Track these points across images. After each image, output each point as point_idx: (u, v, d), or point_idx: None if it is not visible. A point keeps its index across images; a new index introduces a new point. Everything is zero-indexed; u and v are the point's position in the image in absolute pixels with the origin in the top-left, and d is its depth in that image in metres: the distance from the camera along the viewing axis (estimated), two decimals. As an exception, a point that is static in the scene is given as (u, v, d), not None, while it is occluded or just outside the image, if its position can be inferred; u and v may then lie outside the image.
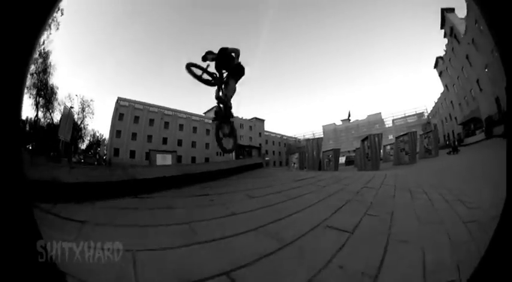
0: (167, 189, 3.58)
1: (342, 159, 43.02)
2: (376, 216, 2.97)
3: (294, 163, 28.31)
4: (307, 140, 30.56)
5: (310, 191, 4.47)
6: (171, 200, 3.16)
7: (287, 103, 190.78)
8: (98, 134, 56.84)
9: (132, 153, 52.17)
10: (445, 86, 56.80)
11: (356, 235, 2.26)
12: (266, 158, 66.62)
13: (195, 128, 64.18)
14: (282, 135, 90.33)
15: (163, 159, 36.13)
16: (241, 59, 6.52)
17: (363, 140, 23.58)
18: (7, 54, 1.17)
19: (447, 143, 33.56)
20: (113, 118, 52.77)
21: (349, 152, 39.68)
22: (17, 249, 1.13)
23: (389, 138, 36.08)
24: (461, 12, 44.54)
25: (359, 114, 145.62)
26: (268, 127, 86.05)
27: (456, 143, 33.23)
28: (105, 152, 52.69)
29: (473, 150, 26.91)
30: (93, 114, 52.93)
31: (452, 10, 46.28)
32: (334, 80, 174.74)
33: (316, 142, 25.33)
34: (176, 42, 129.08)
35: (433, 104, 69.61)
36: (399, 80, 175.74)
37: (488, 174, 6.81)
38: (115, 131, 51.98)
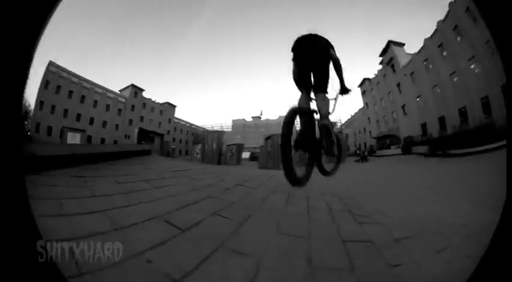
0: (54, 169, 3.59)
1: (247, 155, 44.15)
2: (226, 218, 2.64)
3: (197, 154, 27.60)
4: (209, 131, 30.29)
5: (180, 183, 4.30)
6: (52, 179, 3.17)
7: (203, 92, 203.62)
8: (27, 104, 46.76)
9: (50, 130, 46.07)
10: (366, 104, 65.72)
11: (187, 234, 2.08)
12: (172, 146, 66.00)
13: (108, 106, 58.86)
14: (192, 124, 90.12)
15: (73, 138, 33.70)
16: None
17: (266, 139, 24.11)
18: (8, 54, 1.18)
19: (357, 152, 36.30)
20: (40, 86, 46.25)
21: (255, 148, 40.11)
22: (17, 249, 1.14)
23: (299, 140, 37.68)
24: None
25: (271, 114, 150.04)
26: (179, 114, 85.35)
27: (366, 153, 36.88)
28: (29, 126, 45.10)
29: (384, 160, 30.44)
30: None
31: (401, 45, 51.98)
32: (254, 77, 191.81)
33: (217, 135, 25.71)
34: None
35: (349, 117, 78.76)
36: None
37: (398, 187, 7.31)
38: (39, 102, 45.73)
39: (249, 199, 3.73)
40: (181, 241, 1.93)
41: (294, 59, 3.99)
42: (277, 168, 18.23)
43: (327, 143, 4.03)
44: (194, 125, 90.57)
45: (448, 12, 35.49)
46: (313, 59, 3.85)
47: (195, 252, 1.78)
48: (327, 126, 3.82)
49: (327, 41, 4.01)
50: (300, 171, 3.50)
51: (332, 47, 4.02)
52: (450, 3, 34.57)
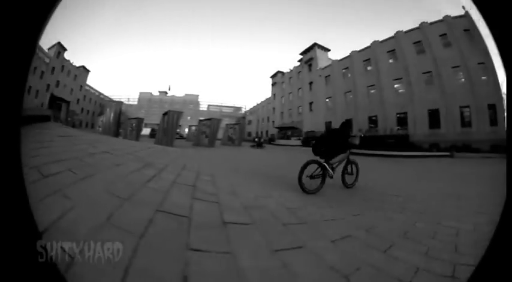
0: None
1: (148, 131, 44.34)
2: (74, 174, 3.04)
3: (99, 126, 24.85)
4: (107, 102, 28.27)
5: (57, 146, 4.61)
6: None
7: (118, 56, 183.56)
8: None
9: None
10: (273, 95, 68.04)
11: (41, 181, 2.55)
12: (79, 118, 60.58)
13: (35, 69, 48.35)
14: (101, 94, 79.78)
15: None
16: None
17: (164, 114, 23.34)
18: (8, 54, 1.21)
19: (255, 139, 37.69)
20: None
21: (157, 124, 40.42)
22: (17, 249, 1.16)
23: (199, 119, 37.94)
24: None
25: (179, 91, 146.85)
26: (91, 81, 76.87)
27: (262, 140, 37.48)
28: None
29: (280, 149, 31.71)
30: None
31: (326, 49, 54.76)
32: (168, 47, 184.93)
33: (114, 106, 23.68)
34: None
35: (255, 104, 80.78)
36: (236, 74, 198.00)
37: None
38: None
39: (104, 162, 4.08)
40: (32, 187, 2.31)
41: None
42: (170, 145, 18.25)
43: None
44: (103, 95, 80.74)
45: (392, 37, 37.85)
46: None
47: (38, 194, 2.18)
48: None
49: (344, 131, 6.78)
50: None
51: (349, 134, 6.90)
52: (398, 32, 37.15)
